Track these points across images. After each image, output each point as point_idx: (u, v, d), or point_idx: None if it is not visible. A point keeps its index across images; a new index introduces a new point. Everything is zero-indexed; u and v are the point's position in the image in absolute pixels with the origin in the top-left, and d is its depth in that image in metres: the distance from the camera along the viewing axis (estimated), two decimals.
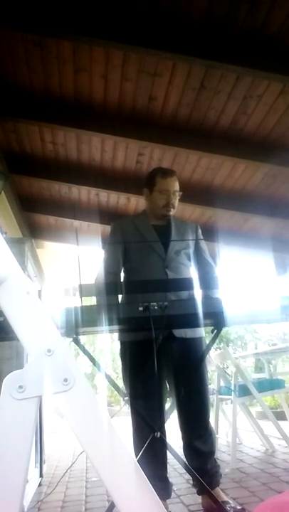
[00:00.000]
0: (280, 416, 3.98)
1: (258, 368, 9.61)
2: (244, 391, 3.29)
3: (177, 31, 2.30)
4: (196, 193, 3.96)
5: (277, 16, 2.21)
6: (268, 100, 2.84)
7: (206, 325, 1.78)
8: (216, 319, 1.53)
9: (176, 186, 2.13)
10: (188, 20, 2.26)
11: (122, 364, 2.08)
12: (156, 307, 1.39)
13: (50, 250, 5.65)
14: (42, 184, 4.26)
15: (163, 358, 1.92)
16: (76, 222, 4.91)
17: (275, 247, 4.74)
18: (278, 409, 4.93)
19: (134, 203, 4.45)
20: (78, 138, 3.46)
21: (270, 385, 3.58)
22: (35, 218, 5.07)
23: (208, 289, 1.81)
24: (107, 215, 4.60)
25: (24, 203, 4.57)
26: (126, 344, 2.03)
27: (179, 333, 1.95)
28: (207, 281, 1.94)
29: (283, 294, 1.50)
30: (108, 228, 4.97)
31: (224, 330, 10.90)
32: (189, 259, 2.14)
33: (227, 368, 5.85)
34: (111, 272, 2.08)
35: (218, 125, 3.14)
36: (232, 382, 3.39)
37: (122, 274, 2.15)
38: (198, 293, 1.71)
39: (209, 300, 1.52)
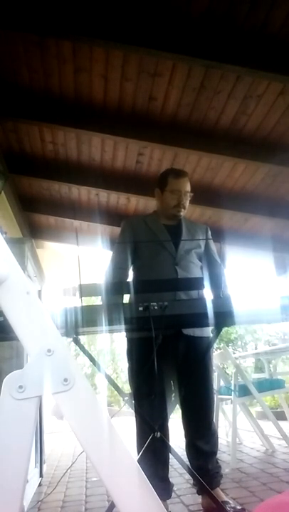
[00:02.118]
0: (280, 416, 3.98)
1: (258, 368, 9.61)
2: (244, 391, 3.29)
3: (177, 31, 2.30)
4: (196, 193, 3.93)
5: (277, 16, 2.21)
6: (268, 100, 2.84)
7: (207, 325, 1.79)
8: (217, 319, 1.53)
9: (188, 187, 2.17)
10: (188, 20, 2.26)
11: (128, 361, 2.08)
12: (156, 307, 1.39)
13: (50, 250, 5.65)
14: (42, 184, 4.26)
15: (170, 355, 1.93)
16: (76, 222, 4.90)
17: (275, 247, 4.74)
18: (278, 409, 4.93)
19: (134, 203, 4.45)
20: (78, 138, 3.46)
21: (270, 385, 3.58)
22: (35, 218, 5.07)
23: (219, 289, 1.84)
24: (107, 215, 4.60)
25: (24, 203, 4.57)
26: (132, 341, 2.03)
27: (187, 331, 1.96)
28: (218, 281, 1.99)
29: (283, 294, 1.50)
30: (108, 228, 5.00)
31: (225, 330, 10.91)
32: (200, 259, 2.17)
33: (227, 368, 5.85)
34: (119, 267, 2.09)
35: (218, 125, 3.13)
36: (232, 382, 3.39)
37: (132, 272, 2.17)
38: (207, 292, 1.72)
39: (219, 299, 1.52)
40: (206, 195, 4.02)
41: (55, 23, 2.27)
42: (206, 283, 1.68)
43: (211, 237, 2.26)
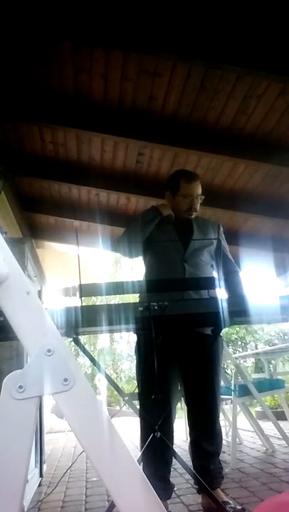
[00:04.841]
0: (280, 416, 3.98)
1: (258, 368, 9.61)
2: (244, 391, 3.29)
3: (177, 31, 2.30)
4: None
5: (277, 16, 2.21)
6: (267, 100, 2.84)
7: (209, 325, 1.78)
8: (217, 319, 1.52)
9: (199, 190, 2.15)
10: (188, 20, 2.26)
11: (136, 358, 2.07)
12: (156, 307, 1.39)
13: (50, 250, 5.65)
14: (42, 184, 4.26)
15: (181, 353, 1.93)
16: (76, 222, 4.90)
17: (275, 247, 4.74)
18: (278, 409, 4.93)
19: (134, 203, 4.45)
20: (78, 138, 3.46)
21: (270, 385, 3.58)
22: (35, 218, 5.07)
23: (234, 288, 1.83)
24: (107, 215, 4.60)
25: (24, 203, 4.56)
26: (141, 337, 2.02)
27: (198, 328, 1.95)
28: (232, 279, 1.98)
29: (283, 294, 1.50)
30: (108, 228, 4.97)
31: (226, 330, 10.91)
32: (211, 257, 2.15)
33: (227, 368, 5.85)
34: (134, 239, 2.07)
35: (218, 125, 3.13)
36: (232, 382, 3.39)
37: (141, 270, 2.17)
38: (219, 290, 1.72)
39: (236, 298, 1.52)
40: (206, 195, 4.01)
41: (55, 23, 2.26)
42: (217, 282, 1.66)
43: (223, 235, 2.24)
